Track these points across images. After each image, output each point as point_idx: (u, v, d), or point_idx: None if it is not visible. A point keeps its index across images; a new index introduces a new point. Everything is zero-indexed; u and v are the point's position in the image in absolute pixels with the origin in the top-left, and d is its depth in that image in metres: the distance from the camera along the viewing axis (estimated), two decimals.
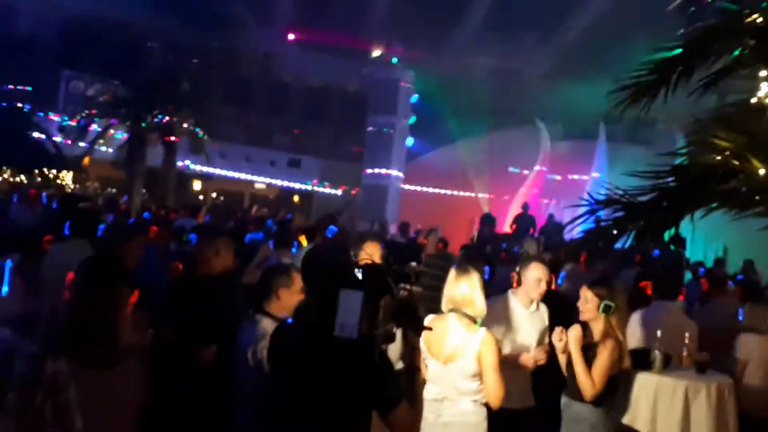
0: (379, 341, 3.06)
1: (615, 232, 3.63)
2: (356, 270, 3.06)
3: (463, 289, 3.88)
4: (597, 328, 4.35)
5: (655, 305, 5.60)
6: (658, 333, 5.31)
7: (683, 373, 5.18)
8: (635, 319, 5.47)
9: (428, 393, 3.97)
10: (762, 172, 2.96)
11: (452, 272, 3.99)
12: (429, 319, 4.01)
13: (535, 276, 4.62)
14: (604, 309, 4.25)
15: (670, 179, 3.40)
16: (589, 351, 4.34)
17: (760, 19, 3.14)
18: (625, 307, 4.34)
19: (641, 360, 5.18)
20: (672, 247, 12.59)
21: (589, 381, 4.23)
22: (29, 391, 1.59)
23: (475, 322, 3.85)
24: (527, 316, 4.70)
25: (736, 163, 3.02)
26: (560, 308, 5.19)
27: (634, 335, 5.40)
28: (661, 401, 4.98)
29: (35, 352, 1.66)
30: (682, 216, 3.34)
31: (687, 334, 5.41)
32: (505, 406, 4.18)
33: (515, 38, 21.92)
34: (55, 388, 1.62)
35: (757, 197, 3.27)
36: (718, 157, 3.10)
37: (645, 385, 5.06)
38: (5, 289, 4.85)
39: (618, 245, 3.91)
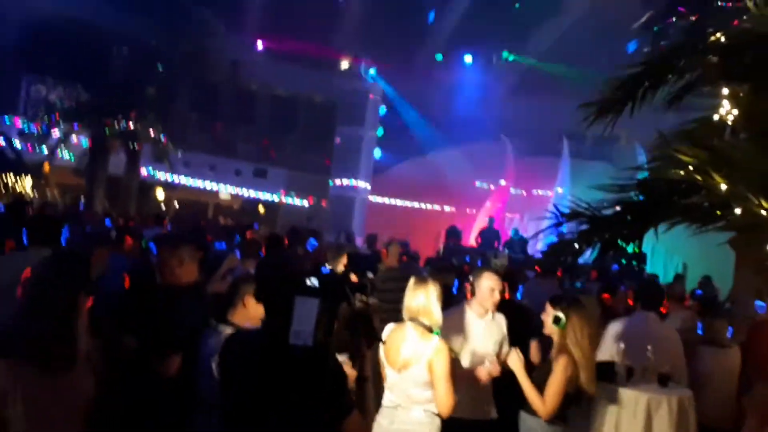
0: (333, 349, 3.05)
1: (579, 245, 3.66)
2: (309, 278, 3.05)
3: (420, 299, 3.92)
4: (555, 343, 4.34)
5: (638, 316, 5.61)
6: (621, 345, 5.38)
7: (646, 386, 5.24)
8: (619, 330, 5.49)
9: (384, 400, 4.03)
10: (723, 187, 3.02)
11: (411, 282, 4.02)
12: (388, 329, 4.07)
13: (487, 285, 4.66)
14: (554, 320, 4.24)
15: (634, 193, 3.45)
16: (544, 367, 4.35)
17: (723, 38, 3.22)
18: (586, 321, 4.27)
19: (605, 372, 5.23)
20: (633, 262, 12.81)
21: (538, 401, 4.19)
22: None
23: (431, 331, 3.88)
24: (483, 326, 4.73)
25: (699, 178, 3.08)
26: (519, 319, 5.23)
27: (613, 347, 5.42)
28: (623, 414, 5.03)
29: None
30: (646, 229, 3.39)
31: (671, 345, 5.46)
32: (465, 417, 4.20)
33: (481, 52, 22.22)
34: None
35: (719, 212, 3.33)
36: (682, 172, 3.15)
37: (608, 397, 5.10)
38: None
39: (582, 259, 3.94)
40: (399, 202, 21.82)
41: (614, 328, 5.55)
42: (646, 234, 3.43)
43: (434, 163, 20.72)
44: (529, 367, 4.47)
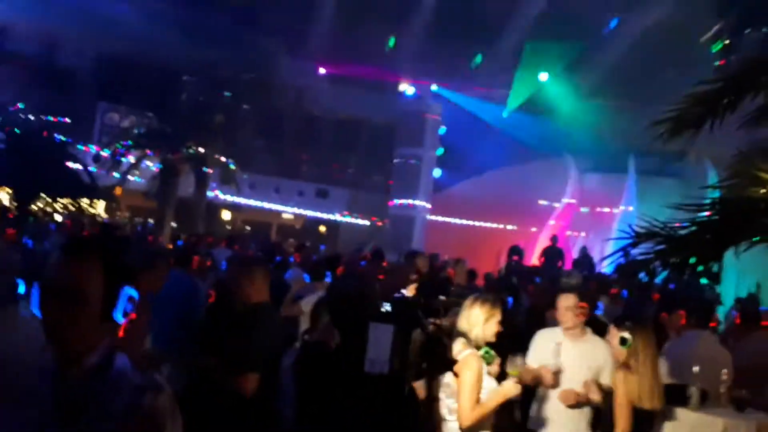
0: (409, 377, 3.07)
1: (656, 264, 3.60)
2: (383, 303, 3.08)
3: (469, 317, 3.97)
4: (619, 363, 4.32)
5: (689, 335, 5.47)
6: (695, 369, 5.23)
7: (721, 411, 5.08)
8: (668, 351, 5.37)
9: None
10: None
11: (467, 301, 4.08)
12: None
13: (563, 305, 4.60)
14: (621, 341, 4.21)
15: (709, 212, 3.38)
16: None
17: None
18: (648, 341, 4.24)
19: (677, 396, 5.09)
20: (703, 280, 12.40)
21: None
22: (128, 421, 1.63)
23: (478, 348, 3.90)
24: (571, 349, 4.61)
25: None
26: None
27: (668, 366, 5.31)
28: None
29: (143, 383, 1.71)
30: (725, 249, 3.31)
31: (724, 369, 5.29)
32: None
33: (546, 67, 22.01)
34: (151, 423, 1.66)
35: None
36: (762, 190, 3.08)
37: (682, 421, 4.96)
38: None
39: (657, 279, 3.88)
40: (459, 221, 21.73)
41: (673, 347, 5.41)
42: (724, 254, 3.35)
43: (495, 182, 20.57)
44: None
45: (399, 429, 2.99)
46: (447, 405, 3.85)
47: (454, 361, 3.70)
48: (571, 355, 4.50)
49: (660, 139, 3.81)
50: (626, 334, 4.18)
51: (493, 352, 3.97)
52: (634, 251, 3.85)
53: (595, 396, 4.33)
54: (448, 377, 3.84)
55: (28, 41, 17.56)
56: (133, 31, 17.35)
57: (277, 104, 19.55)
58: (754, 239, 3.35)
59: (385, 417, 2.90)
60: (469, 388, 3.74)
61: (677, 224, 3.54)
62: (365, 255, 13.75)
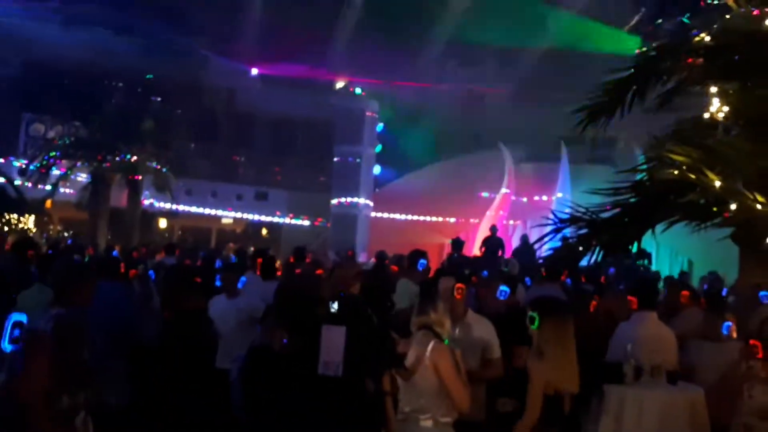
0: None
1: (581, 248, 3.70)
2: (332, 303, 3.06)
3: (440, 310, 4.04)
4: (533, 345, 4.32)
5: (636, 316, 5.61)
6: (628, 347, 5.40)
7: (656, 386, 5.25)
8: (624, 332, 5.51)
9: (398, 414, 4.02)
10: (718, 184, 3.07)
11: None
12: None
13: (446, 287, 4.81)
14: (529, 321, 4.22)
15: (629, 195, 3.49)
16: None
17: (707, 39, 3.27)
18: (559, 324, 4.22)
19: (613, 373, 5.25)
20: (640, 261, 12.81)
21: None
22: None
23: (442, 340, 3.95)
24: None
25: (693, 176, 3.12)
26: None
27: (615, 347, 5.46)
28: (634, 414, 5.04)
29: None
30: (644, 230, 3.43)
31: (666, 345, 5.47)
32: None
33: (476, 64, 22.34)
34: None
35: (715, 209, 3.37)
36: (676, 172, 3.19)
37: (617, 398, 5.11)
38: None
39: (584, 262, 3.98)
40: (401, 217, 21.83)
41: (620, 329, 5.57)
42: (644, 234, 3.46)
43: (434, 176, 20.76)
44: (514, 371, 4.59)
45: (350, 420, 2.98)
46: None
47: (402, 356, 3.71)
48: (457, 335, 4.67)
49: (578, 128, 3.91)
50: (534, 314, 4.20)
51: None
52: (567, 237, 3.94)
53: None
54: (423, 372, 3.84)
55: None
56: (56, 38, 16.78)
57: (209, 107, 19.22)
58: (672, 219, 3.47)
59: (341, 418, 2.88)
60: (455, 374, 3.83)
61: (602, 209, 3.64)
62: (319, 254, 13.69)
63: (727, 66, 3.21)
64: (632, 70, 3.57)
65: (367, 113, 20.61)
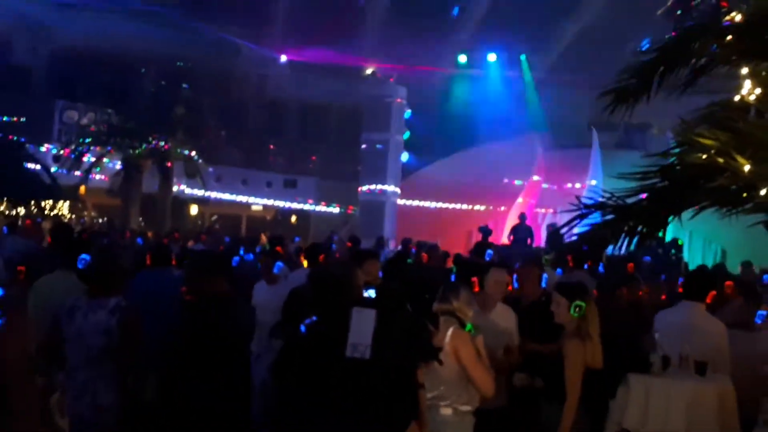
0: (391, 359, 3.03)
1: (608, 235, 3.63)
2: (367, 289, 3.05)
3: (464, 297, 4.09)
4: (568, 331, 4.42)
5: (679, 305, 5.50)
6: (656, 335, 5.30)
7: (684, 376, 5.16)
8: (660, 321, 5.42)
9: None
10: (747, 168, 2.98)
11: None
12: None
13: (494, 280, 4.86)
14: (573, 310, 4.31)
15: (657, 180, 3.41)
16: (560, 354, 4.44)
17: (738, 17, 3.18)
18: (594, 308, 4.40)
19: (639, 363, 5.17)
20: (671, 251, 12.60)
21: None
22: None
23: (464, 326, 3.97)
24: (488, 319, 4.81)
25: (721, 160, 3.04)
26: None
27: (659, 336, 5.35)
28: (658, 404, 4.96)
29: None
30: (671, 215, 3.35)
31: (707, 337, 5.33)
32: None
33: (506, 49, 22.12)
34: None
35: (745, 194, 3.28)
36: (704, 156, 3.12)
37: (642, 388, 5.03)
38: None
39: (612, 249, 3.92)
40: (429, 204, 21.77)
41: (657, 318, 5.47)
42: (671, 220, 3.38)
43: (462, 163, 20.64)
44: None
45: (383, 415, 2.97)
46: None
47: (439, 349, 3.70)
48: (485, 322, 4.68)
49: (605, 112, 3.84)
50: (581, 303, 4.26)
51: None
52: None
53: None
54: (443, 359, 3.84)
55: None
56: (88, 26, 17.02)
57: (239, 94, 19.35)
58: (700, 205, 3.38)
59: (368, 403, 2.88)
60: (475, 359, 3.85)
61: (628, 194, 3.56)
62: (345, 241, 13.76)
63: (758, 45, 3.12)
64: (657, 52, 3.49)
65: (396, 100, 20.52)
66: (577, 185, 20.41)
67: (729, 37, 3.27)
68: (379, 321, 2.91)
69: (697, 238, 17.80)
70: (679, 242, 13.82)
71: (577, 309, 4.27)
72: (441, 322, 3.97)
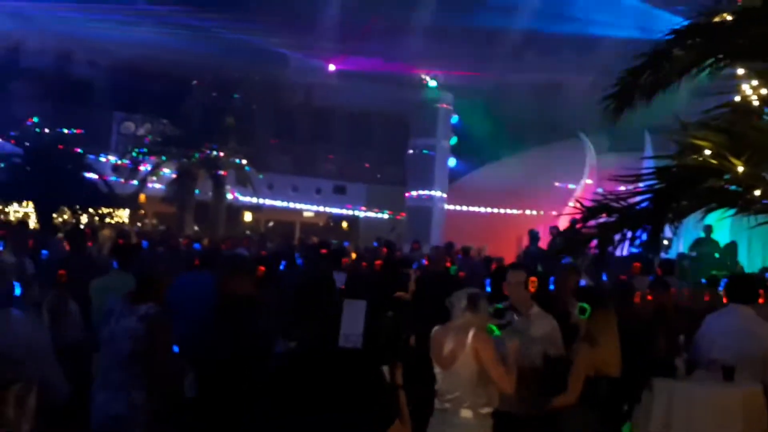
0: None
1: (612, 236, 3.64)
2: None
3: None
4: (581, 332, 4.45)
5: (724, 309, 5.41)
6: (681, 338, 5.23)
7: (707, 380, 5.07)
8: (709, 324, 5.35)
9: (436, 402, 4.09)
10: (741, 169, 2.96)
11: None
12: (435, 329, 4.18)
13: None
14: (579, 311, 4.38)
15: (655, 182, 3.42)
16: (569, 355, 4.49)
17: (729, 18, 3.15)
18: (607, 312, 4.40)
19: (663, 368, 5.12)
20: (716, 255, 12.26)
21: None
22: None
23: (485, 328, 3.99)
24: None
25: (715, 162, 3.03)
26: None
27: (703, 339, 5.29)
28: (681, 408, 4.89)
29: None
30: (665, 218, 3.35)
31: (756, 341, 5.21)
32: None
33: (555, 51, 21.85)
34: None
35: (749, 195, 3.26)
36: (699, 158, 3.11)
37: (666, 392, 4.97)
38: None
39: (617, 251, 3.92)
40: (478, 209, 21.67)
41: (708, 322, 5.37)
42: (669, 221, 3.38)
43: (511, 168, 20.49)
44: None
45: (367, 404, 3.07)
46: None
47: (409, 351, 3.76)
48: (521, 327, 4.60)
49: (655, 117, 3.85)
50: (584, 305, 4.29)
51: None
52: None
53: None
54: (464, 359, 3.91)
55: (41, 54, 18.00)
56: (144, 40, 17.67)
57: (288, 103, 19.76)
58: (703, 206, 3.38)
59: (353, 391, 2.99)
60: (496, 360, 3.87)
61: (628, 195, 3.58)
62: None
63: (750, 44, 3.07)
64: (644, 57, 3.47)
65: (442, 105, 20.56)
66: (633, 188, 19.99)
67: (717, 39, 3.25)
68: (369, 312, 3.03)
69: (756, 242, 17.20)
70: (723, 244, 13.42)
71: (582, 311, 4.28)
72: (459, 323, 4.01)
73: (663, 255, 11.01)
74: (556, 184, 21.46)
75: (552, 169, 20.61)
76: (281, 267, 8.93)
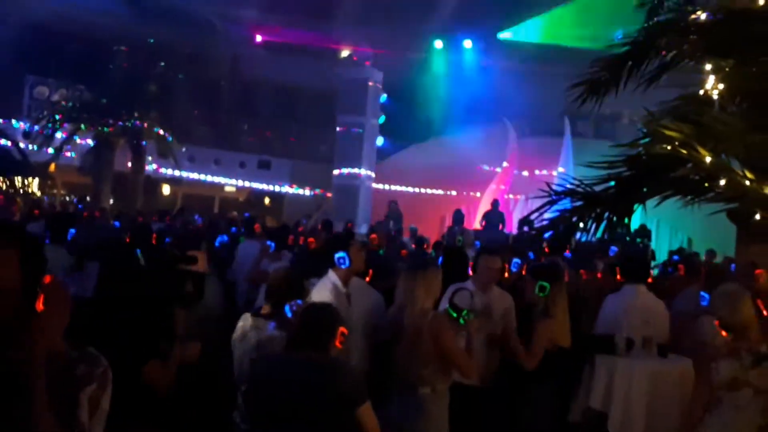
0: None
1: (574, 219, 3.77)
2: None
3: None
4: (539, 309, 4.73)
5: (625, 289, 5.69)
6: (618, 318, 5.50)
7: (646, 358, 5.36)
8: (614, 304, 5.61)
9: (394, 379, 4.13)
10: (708, 159, 3.12)
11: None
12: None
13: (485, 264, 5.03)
14: (539, 290, 4.63)
15: (623, 169, 3.55)
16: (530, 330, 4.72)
17: (703, 16, 3.30)
18: (561, 289, 4.72)
19: (605, 345, 5.37)
20: (638, 239, 12.89)
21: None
22: None
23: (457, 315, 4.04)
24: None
25: (684, 152, 3.17)
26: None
27: (604, 319, 5.58)
28: (623, 385, 5.16)
29: None
30: (635, 203, 3.49)
31: (656, 317, 5.56)
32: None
33: (480, 36, 22.20)
34: None
35: (706, 184, 3.43)
36: (668, 147, 3.24)
37: (608, 369, 5.24)
38: None
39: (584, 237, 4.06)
40: (403, 189, 21.85)
41: (609, 302, 5.67)
42: (637, 208, 3.53)
43: (437, 149, 20.73)
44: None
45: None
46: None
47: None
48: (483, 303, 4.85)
49: (576, 103, 3.97)
50: (545, 283, 4.50)
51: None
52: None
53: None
54: (420, 343, 3.93)
55: None
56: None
57: (213, 74, 19.14)
58: (664, 193, 3.53)
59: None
60: (455, 343, 3.93)
61: (596, 182, 3.69)
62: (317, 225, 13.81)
63: (721, 43, 3.24)
64: (628, 46, 3.61)
65: (371, 83, 20.49)
66: (547, 172, 20.68)
67: (693, 36, 3.40)
68: None
69: (664, 226, 18.21)
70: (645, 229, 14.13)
71: (542, 289, 4.48)
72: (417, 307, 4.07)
73: None
74: (478, 166, 21.92)
75: (475, 151, 21.01)
76: None
